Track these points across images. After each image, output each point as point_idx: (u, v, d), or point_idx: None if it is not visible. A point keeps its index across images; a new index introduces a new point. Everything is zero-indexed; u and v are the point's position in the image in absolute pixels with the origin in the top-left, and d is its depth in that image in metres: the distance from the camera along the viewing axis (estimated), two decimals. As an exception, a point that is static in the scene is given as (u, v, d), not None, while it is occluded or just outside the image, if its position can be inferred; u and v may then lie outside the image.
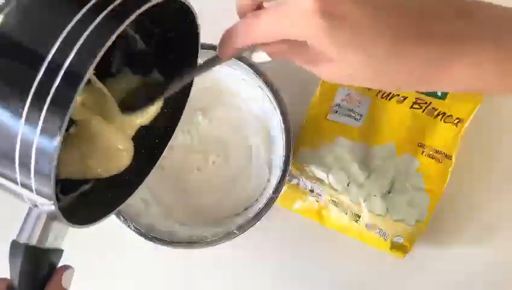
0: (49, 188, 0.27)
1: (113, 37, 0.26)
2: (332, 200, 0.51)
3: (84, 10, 0.27)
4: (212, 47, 0.44)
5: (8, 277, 0.33)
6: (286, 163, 0.47)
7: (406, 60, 0.28)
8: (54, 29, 0.26)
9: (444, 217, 0.53)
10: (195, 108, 0.52)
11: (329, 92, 0.52)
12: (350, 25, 0.27)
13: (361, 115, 0.52)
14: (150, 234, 0.46)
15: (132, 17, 0.27)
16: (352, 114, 0.52)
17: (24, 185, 0.28)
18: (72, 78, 0.26)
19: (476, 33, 0.28)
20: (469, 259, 0.54)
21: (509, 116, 0.55)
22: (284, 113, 0.47)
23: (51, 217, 0.31)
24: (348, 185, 0.50)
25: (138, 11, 0.27)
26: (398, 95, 0.52)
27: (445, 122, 0.51)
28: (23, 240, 0.32)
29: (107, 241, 0.50)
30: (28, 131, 0.26)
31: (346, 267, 0.54)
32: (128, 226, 0.46)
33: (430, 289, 0.54)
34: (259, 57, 0.34)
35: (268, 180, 0.51)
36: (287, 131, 0.47)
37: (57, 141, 0.26)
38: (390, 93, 0.52)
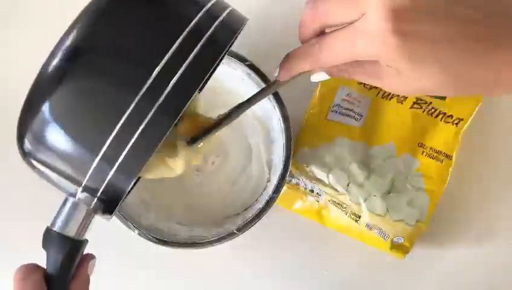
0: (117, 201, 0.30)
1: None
2: (332, 200, 0.51)
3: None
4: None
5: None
6: (286, 163, 0.47)
7: (482, 65, 0.29)
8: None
9: (444, 217, 0.53)
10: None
11: (329, 92, 0.52)
12: (424, 40, 0.28)
13: (361, 115, 0.52)
14: (150, 234, 0.46)
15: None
16: (352, 114, 0.52)
17: (78, 185, 0.30)
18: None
19: None
20: (469, 259, 0.54)
21: (509, 116, 0.55)
22: (284, 113, 0.47)
23: (95, 210, 0.32)
24: (348, 185, 0.50)
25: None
26: (398, 95, 0.52)
27: (445, 122, 0.51)
28: (62, 230, 0.33)
29: (107, 241, 0.50)
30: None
31: (346, 267, 0.54)
32: (128, 226, 0.46)
33: (430, 289, 0.54)
34: (319, 76, 0.35)
35: (268, 180, 0.51)
36: (287, 131, 0.47)
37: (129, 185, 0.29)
38: (390, 93, 0.52)
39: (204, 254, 0.47)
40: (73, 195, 0.31)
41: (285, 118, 0.47)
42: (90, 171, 0.29)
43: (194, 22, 0.29)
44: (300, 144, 0.52)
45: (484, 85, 0.30)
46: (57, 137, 0.29)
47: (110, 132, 0.28)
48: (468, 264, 0.54)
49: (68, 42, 0.28)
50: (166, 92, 0.28)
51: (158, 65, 0.28)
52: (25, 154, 0.31)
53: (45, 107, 0.28)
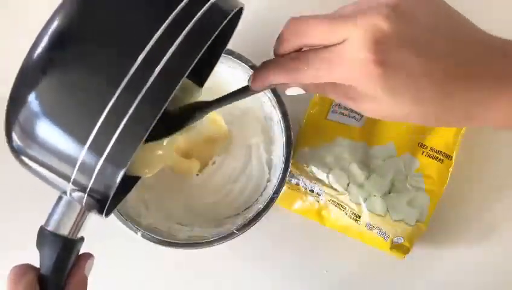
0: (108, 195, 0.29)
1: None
2: (332, 200, 0.51)
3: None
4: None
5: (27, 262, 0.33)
6: (286, 163, 0.47)
7: (455, 101, 0.29)
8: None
9: (444, 217, 0.53)
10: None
11: (329, 92, 0.52)
12: (403, 72, 0.28)
13: (361, 115, 0.52)
14: (150, 234, 0.46)
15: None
16: (352, 114, 0.52)
17: (75, 184, 0.29)
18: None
19: None
20: (469, 259, 0.54)
21: (509, 116, 0.55)
22: (284, 113, 0.47)
23: (88, 208, 0.31)
24: (348, 185, 0.50)
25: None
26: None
27: (445, 122, 0.51)
28: (56, 229, 0.32)
29: (107, 241, 0.50)
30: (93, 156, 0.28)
31: (346, 267, 0.54)
32: (129, 226, 0.46)
33: (430, 289, 0.54)
34: (294, 91, 0.34)
35: (268, 180, 0.51)
36: (287, 131, 0.47)
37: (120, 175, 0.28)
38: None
39: (204, 254, 0.47)
40: (65, 192, 0.30)
41: (285, 118, 0.47)
42: (78, 164, 0.28)
43: (181, 4, 0.28)
44: (300, 144, 0.52)
45: (456, 119, 0.31)
46: (43, 129, 0.28)
47: (95, 121, 0.27)
48: (468, 264, 0.54)
49: (51, 30, 0.27)
50: (151, 80, 0.27)
51: (143, 51, 0.27)
52: (15, 151, 0.30)
53: (30, 98, 0.27)
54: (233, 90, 0.36)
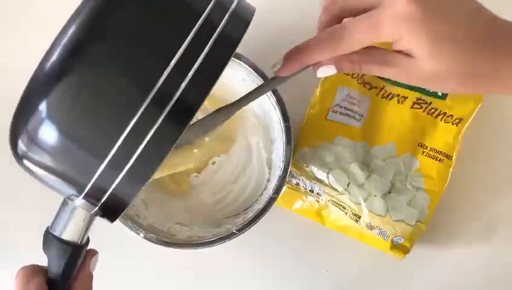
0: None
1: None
2: (333, 200, 0.51)
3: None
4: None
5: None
6: (286, 163, 0.47)
7: (487, 65, 0.32)
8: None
9: (444, 217, 0.53)
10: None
11: (329, 92, 0.52)
12: (444, 20, 0.30)
13: (361, 115, 0.52)
14: (150, 235, 0.46)
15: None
16: (352, 114, 0.52)
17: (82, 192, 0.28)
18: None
19: None
20: (469, 259, 0.54)
21: (510, 116, 0.55)
22: (284, 113, 0.47)
23: (96, 214, 0.30)
24: (348, 185, 0.50)
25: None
26: (398, 95, 0.52)
27: (445, 122, 0.51)
28: (64, 235, 0.31)
29: (107, 241, 0.50)
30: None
31: (346, 267, 0.54)
32: (129, 226, 0.46)
33: (430, 289, 0.54)
34: (326, 71, 0.34)
35: (269, 180, 0.51)
36: (287, 131, 0.47)
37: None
38: (390, 93, 0.52)
39: (204, 254, 0.47)
40: (74, 200, 0.29)
41: (286, 118, 0.47)
42: (94, 178, 0.26)
43: (204, 14, 0.26)
44: (300, 144, 0.52)
45: (486, 78, 0.32)
46: (57, 141, 0.26)
47: (119, 135, 0.25)
48: (468, 264, 0.54)
49: (69, 36, 0.25)
50: (176, 96, 0.25)
51: (169, 63, 0.25)
52: (19, 157, 0.28)
53: (43, 106, 0.25)
54: (252, 89, 0.36)
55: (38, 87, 0.26)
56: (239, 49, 0.47)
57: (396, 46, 0.32)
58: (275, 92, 0.47)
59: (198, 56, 0.26)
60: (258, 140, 0.52)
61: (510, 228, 0.54)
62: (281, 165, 0.47)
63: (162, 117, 0.25)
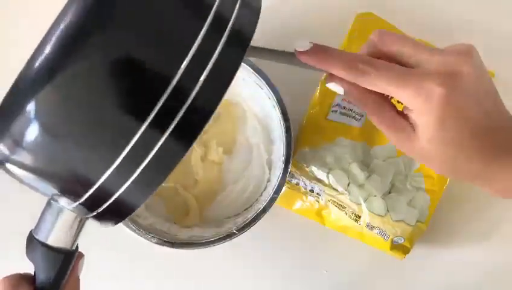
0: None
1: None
2: (333, 200, 0.51)
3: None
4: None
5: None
6: (286, 163, 0.47)
7: (480, 173, 0.33)
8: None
9: (444, 217, 0.53)
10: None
11: (329, 92, 0.52)
12: (461, 112, 0.30)
13: (361, 115, 0.52)
14: (150, 234, 0.46)
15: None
16: (352, 114, 0.52)
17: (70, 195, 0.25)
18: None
19: None
20: (469, 259, 0.54)
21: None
22: (284, 113, 0.47)
23: (87, 218, 0.28)
24: (348, 185, 0.50)
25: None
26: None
27: (445, 122, 0.51)
28: (54, 243, 0.29)
29: (107, 241, 0.50)
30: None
31: (346, 267, 0.54)
32: (129, 226, 0.46)
33: (430, 289, 0.54)
34: (335, 87, 0.34)
35: (269, 180, 0.51)
36: (287, 131, 0.47)
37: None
38: (390, 93, 0.52)
39: (204, 254, 0.47)
40: (58, 201, 0.27)
41: (286, 118, 0.47)
42: (95, 187, 0.24)
43: (213, 9, 0.24)
44: (300, 144, 0.52)
45: (478, 180, 0.34)
46: (63, 146, 0.23)
47: (124, 145, 0.23)
48: (468, 264, 0.54)
49: (61, 29, 0.23)
50: (186, 104, 0.23)
51: (183, 62, 0.23)
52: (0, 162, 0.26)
53: (31, 107, 0.22)
54: (279, 50, 0.33)
55: (30, 84, 0.24)
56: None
57: (406, 111, 0.33)
58: (275, 92, 0.47)
59: (214, 52, 0.24)
60: (258, 140, 0.52)
61: (510, 228, 0.54)
62: (281, 165, 0.47)
63: (174, 123, 0.23)
